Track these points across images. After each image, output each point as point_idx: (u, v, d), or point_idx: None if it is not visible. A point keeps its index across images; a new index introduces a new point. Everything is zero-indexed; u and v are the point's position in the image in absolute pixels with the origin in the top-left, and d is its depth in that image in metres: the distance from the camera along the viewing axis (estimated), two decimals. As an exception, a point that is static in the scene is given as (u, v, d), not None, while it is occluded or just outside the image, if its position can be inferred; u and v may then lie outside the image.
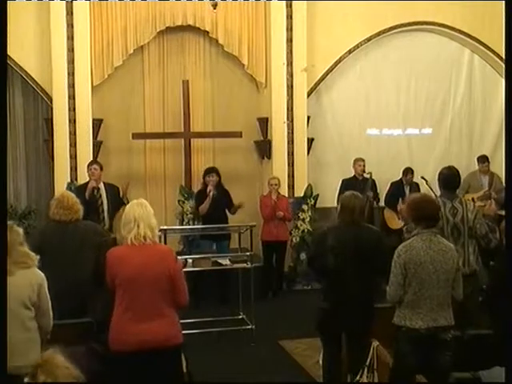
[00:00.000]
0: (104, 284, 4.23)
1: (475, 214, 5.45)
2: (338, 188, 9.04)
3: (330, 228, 5.10)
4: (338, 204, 5.23)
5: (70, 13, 8.95)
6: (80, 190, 7.92)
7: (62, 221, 5.41)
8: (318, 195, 9.67)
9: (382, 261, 4.71)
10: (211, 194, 8.28)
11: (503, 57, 8.68)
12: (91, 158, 9.18)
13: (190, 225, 8.92)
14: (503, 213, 5.56)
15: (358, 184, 9.30)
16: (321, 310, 5.04)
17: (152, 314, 4.06)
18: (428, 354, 4.27)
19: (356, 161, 9.51)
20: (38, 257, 4.01)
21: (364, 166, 9.44)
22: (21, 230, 3.99)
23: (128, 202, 8.49)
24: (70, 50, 8.99)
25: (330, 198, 9.48)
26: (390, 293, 4.33)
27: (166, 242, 6.88)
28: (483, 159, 10.10)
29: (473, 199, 8.55)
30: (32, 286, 3.86)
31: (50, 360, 2.69)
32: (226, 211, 8.53)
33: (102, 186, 8.14)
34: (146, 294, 4.05)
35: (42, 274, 3.97)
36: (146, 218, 4.12)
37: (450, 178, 5.63)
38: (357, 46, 10.08)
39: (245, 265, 7.17)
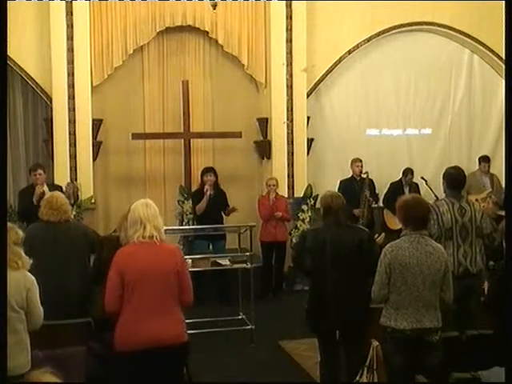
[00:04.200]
0: (102, 281, 4.23)
1: (481, 213, 5.48)
2: (337, 189, 9.03)
3: (310, 230, 5.15)
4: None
5: (69, 13, 8.97)
6: (25, 195, 7.81)
7: (51, 221, 5.44)
8: (317, 195, 9.63)
9: (370, 261, 4.71)
10: (208, 193, 8.29)
11: (503, 57, 8.68)
12: (91, 158, 9.21)
13: (189, 225, 8.92)
14: (502, 213, 5.57)
15: (356, 184, 9.32)
16: (305, 310, 5.11)
17: (160, 312, 4.07)
18: (415, 355, 4.28)
19: (354, 161, 9.51)
20: (31, 261, 4.01)
21: (362, 166, 9.44)
22: (21, 233, 4.00)
23: (76, 201, 8.54)
24: (70, 50, 9.00)
25: (329, 198, 9.46)
26: (375, 291, 4.36)
27: (165, 242, 6.88)
28: (486, 159, 10.09)
29: (476, 200, 8.52)
30: (20, 290, 3.85)
31: (37, 379, 2.68)
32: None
33: (45, 188, 7.76)
34: (155, 290, 4.06)
35: (32, 278, 3.96)
36: (152, 218, 4.16)
37: (456, 178, 5.60)
38: (356, 47, 10.09)
39: (244, 265, 7.17)
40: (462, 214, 5.39)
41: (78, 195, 8.80)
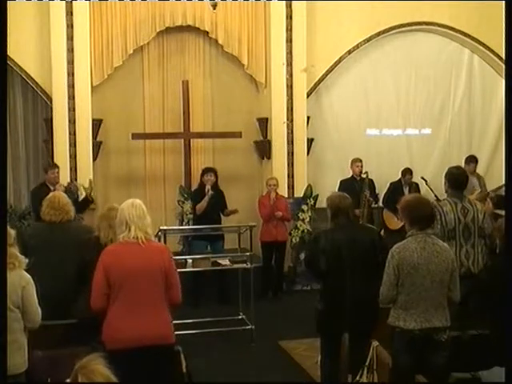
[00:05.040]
0: (88, 282, 4.23)
1: (483, 213, 5.48)
2: (337, 189, 9.03)
3: (322, 231, 5.11)
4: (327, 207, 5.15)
5: (69, 13, 8.97)
6: (40, 194, 7.23)
7: (53, 221, 5.44)
8: (317, 195, 9.66)
9: (381, 259, 4.69)
10: (210, 193, 8.30)
11: (503, 57, 8.68)
12: (91, 158, 9.20)
13: (189, 225, 8.92)
14: (500, 212, 5.57)
15: (356, 184, 9.31)
16: (316, 310, 5.07)
17: (147, 310, 4.07)
18: (423, 355, 4.27)
19: (354, 161, 9.51)
20: (27, 260, 4.02)
21: (362, 166, 9.44)
22: (12, 232, 4.01)
23: (92, 201, 8.46)
24: (70, 50, 9.00)
25: (329, 198, 9.45)
26: (383, 292, 4.34)
27: (165, 243, 6.88)
28: (473, 159, 10.05)
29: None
30: (15, 289, 3.86)
31: (89, 365, 2.69)
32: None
33: (62, 187, 7.91)
34: (142, 289, 4.06)
35: (28, 277, 3.96)
36: (136, 219, 4.13)
37: (459, 178, 5.60)
38: (356, 47, 10.09)
39: (244, 265, 7.18)
40: (465, 214, 5.40)
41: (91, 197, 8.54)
